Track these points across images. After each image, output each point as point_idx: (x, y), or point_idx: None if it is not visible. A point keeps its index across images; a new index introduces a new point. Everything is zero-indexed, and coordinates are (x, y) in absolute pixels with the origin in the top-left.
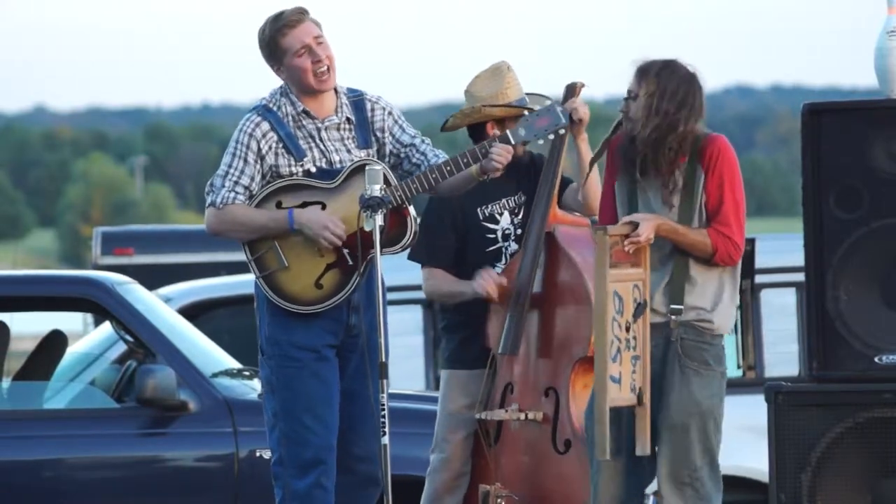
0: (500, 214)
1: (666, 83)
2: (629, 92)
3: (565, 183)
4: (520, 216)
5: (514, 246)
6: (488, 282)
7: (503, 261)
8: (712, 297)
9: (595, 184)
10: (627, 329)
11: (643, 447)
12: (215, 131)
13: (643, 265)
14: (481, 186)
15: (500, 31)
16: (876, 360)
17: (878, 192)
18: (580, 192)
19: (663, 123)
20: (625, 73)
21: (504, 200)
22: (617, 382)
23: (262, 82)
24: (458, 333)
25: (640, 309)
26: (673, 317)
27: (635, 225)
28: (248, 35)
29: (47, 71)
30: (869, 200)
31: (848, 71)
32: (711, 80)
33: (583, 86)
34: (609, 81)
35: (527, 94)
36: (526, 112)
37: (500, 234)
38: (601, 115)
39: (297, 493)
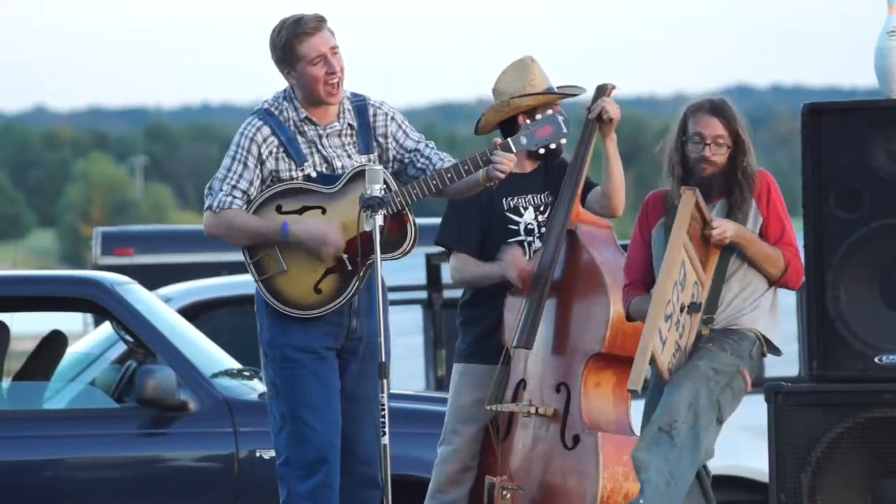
0: (525, 209)
1: (745, 128)
2: (717, 138)
3: (590, 186)
4: (545, 214)
5: (537, 243)
6: (520, 261)
7: (526, 256)
8: (743, 303)
9: (619, 184)
10: (682, 309)
11: None
12: (215, 131)
13: (708, 271)
14: (510, 179)
15: (501, 31)
16: (876, 360)
17: (878, 192)
18: (604, 194)
19: (749, 154)
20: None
21: (530, 196)
22: (662, 343)
23: (262, 82)
24: (475, 327)
25: (694, 306)
26: (706, 325)
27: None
28: (248, 35)
29: (47, 71)
30: (869, 200)
31: (848, 71)
32: (711, 80)
33: (614, 87)
34: (609, 81)
35: (559, 86)
36: (556, 94)
37: (522, 227)
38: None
39: (301, 493)
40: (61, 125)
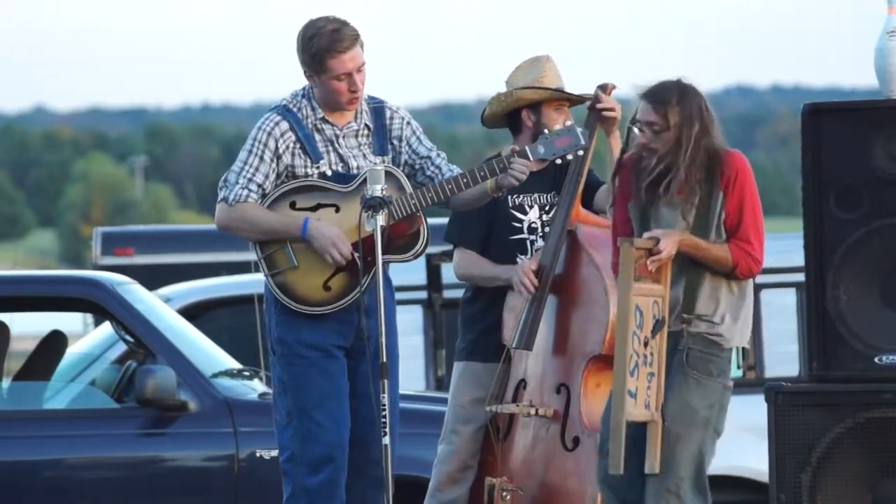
0: (531, 207)
1: (689, 109)
2: (652, 125)
3: (597, 184)
4: (550, 214)
5: (540, 242)
6: (529, 276)
7: (528, 254)
8: (725, 311)
9: None
10: (646, 344)
11: (652, 465)
12: (215, 131)
13: (664, 282)
14: None
15: (501, 32)
16: (876, 360)
17: (878, 192)
18: (610, 192)
19: (701, 150)
20: (635, 102)
21: (537, 195)
22: (633, 397)
23: (262, 83)
24: (476, 325)
25: (658, 325)
26: (684, 326)
27: (657, 240)
28: (249, 35)
29: (47, 71)
30: (869, 200)
31: (848, 71)
32: (711, 80)
33: (614, 87)
34: (608, 80)
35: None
36: (564, 95)
37: (526, 225)
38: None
39: (307, 489)
40: (61, 125)
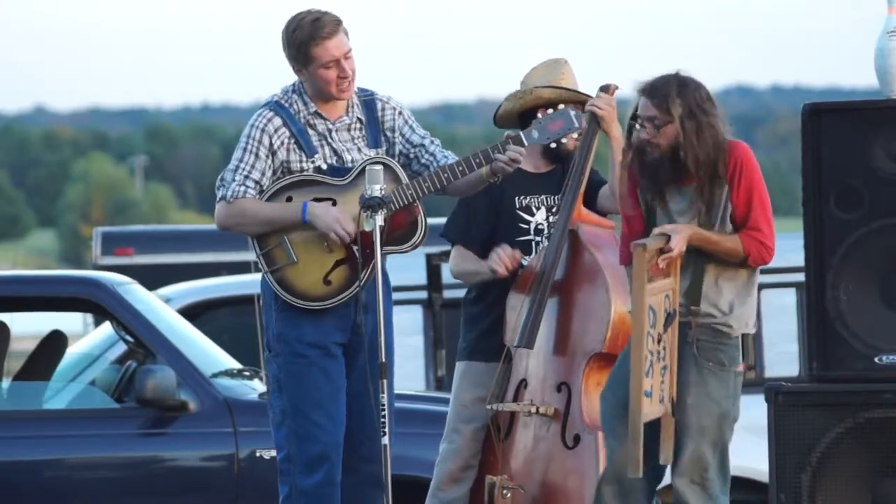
0: (538, 209)
1: (690, 101)
2: (653, 119)
3: (600, 184)
4: (557, 216)
5: (546, 243)
6: (502, 259)
7: (533, 255)
8: (731, 299)
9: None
10: (659, 341)
11: (667, 456)
12: (215, 131)
13: (674, 274)
14: (525, 178)
15: (501, 32)
16: (876, 360)
17: (878, 192)
18: (612, 191)
19: (705, 142)
20: (631, 97)
21: (544, 196)
22: (649, 396)
23: (262, 83)
24: (478, 325)
25: (670, 318)
26: (691, 318)
27: (668, 237)
28: (248, 35)
29: (47, 71)
30: (869, 200)
31: (848, 71)
32: (711, 80)
33: (616, 87)
34: (608, 81)
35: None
36: (582, 97)
37: (532, 227)
38: None
39: (304, 490)
40: (61, 125)
